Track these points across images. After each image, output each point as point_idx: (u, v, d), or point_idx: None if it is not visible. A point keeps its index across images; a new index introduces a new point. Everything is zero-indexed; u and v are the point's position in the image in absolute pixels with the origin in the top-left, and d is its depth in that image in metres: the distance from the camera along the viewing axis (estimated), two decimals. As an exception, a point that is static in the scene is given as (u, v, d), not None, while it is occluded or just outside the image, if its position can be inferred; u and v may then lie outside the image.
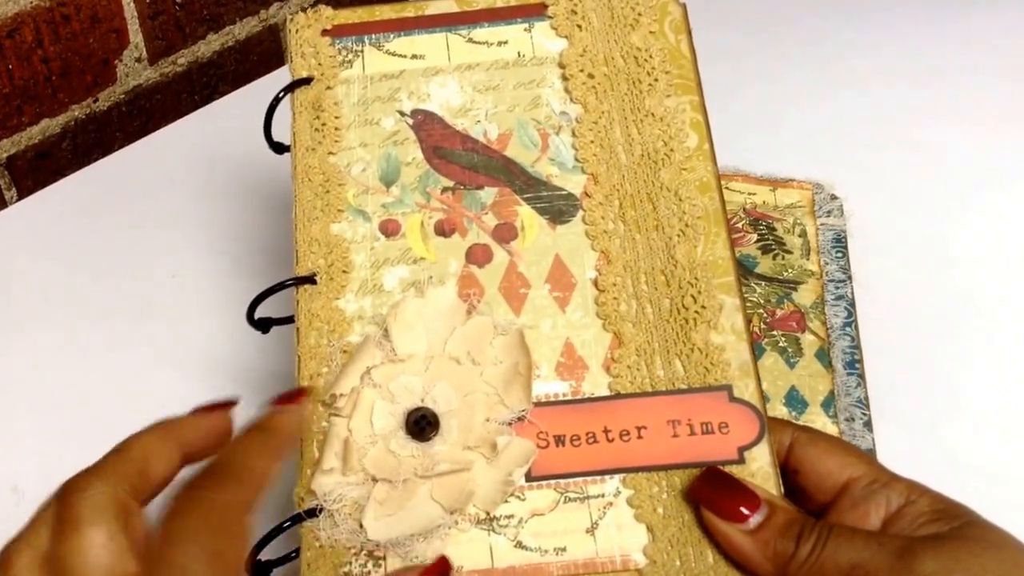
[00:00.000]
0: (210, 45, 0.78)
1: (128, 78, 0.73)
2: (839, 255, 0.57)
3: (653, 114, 0.43)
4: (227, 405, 0.37)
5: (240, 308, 0.42)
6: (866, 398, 0.51)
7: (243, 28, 0.79)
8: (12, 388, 0.56)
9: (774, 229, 0.58)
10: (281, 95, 0.45)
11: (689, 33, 0.45)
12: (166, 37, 0.74)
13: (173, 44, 0.75)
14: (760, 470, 0.37)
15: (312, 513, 0.36)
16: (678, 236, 0.41)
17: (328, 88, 0.45)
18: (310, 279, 0.41)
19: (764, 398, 0.39)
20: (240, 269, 0.62)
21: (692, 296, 0.40)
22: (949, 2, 0.83)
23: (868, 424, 0.50)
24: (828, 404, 0.50)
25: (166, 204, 0.67)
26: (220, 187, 0.68)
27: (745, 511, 0.35)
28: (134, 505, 0.32)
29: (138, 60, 0.73)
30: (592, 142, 0.43)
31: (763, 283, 0.55)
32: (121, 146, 0.73)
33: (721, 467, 0.37)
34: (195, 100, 0.79)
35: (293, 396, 0.37)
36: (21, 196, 0.71)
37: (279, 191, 0.64)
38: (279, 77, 0.76)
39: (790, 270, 0.56)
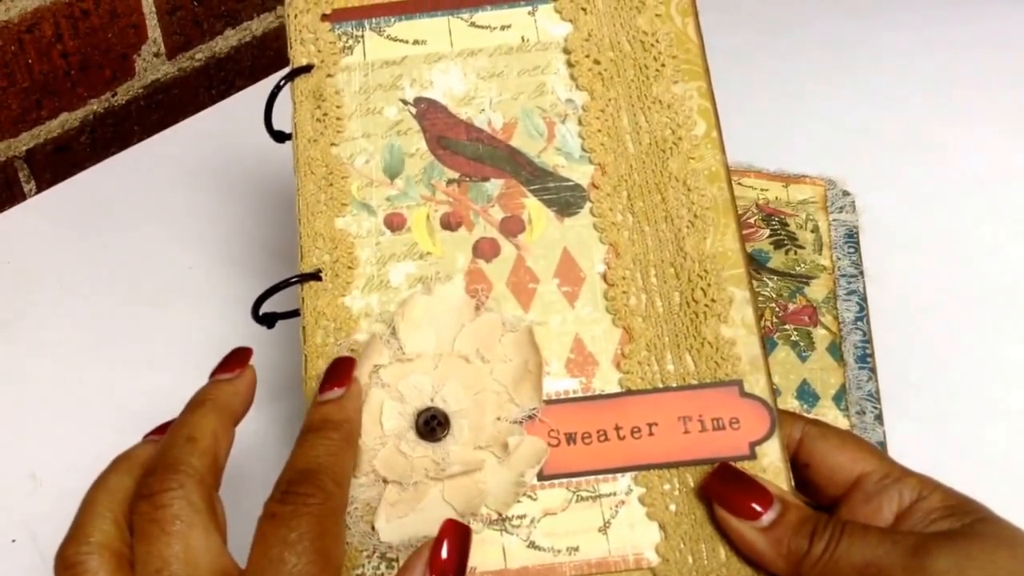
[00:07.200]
0: (227, 40, 0.79)
1: (146, 73, 0.75)
2: (851, 250, 0.57)
3: (660, 101, 0.42)
4: (245, 356, 0.37)
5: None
6: (877, 392, 0.51)
7: (260, 24, 0.81)
8: (30, 377, 0.56)
9: (787, 224, 0.58)
10: (282, 84, 0.44)
11: (696, 16, 0.44)
12: (184, 32, 0.75)
13: (191, 39, 0.76)
14: (771, 465, 0.37)
15: (324, 516, 0.36)
16: (687, 227, 0.40)
17: (329, 76, 0.44)
18: (315, 275, 0.40)
19: (775, 392, 0.39)
20: (257, 261, 0.62)
21: (702, 289, 0.39)
22: (963, 1, 0.82)
23: (879, 418, 0.50)
24: (839, 398, 0.50)
25: (183, 197, 0.68)
26: (237, 180, 0.68)
27: (758, 508, 0.35)
28: (216, 497, 0.32)
29: (156, 55, 0.74)
30: (599, 131, 0.42)
31: (775, 278, 0.55)
32: (139, 140, 0.74)
33: (733, 463, 0.37)
34: (212, 95, 0.80)
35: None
36: (40, 189, 0.72)
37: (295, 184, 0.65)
38: (295, 73, 0.78)
39: (802, 265, 0.56)
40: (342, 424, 0.35)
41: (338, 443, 0.34)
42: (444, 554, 0.33)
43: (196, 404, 0.35)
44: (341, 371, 0.37)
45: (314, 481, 0.32)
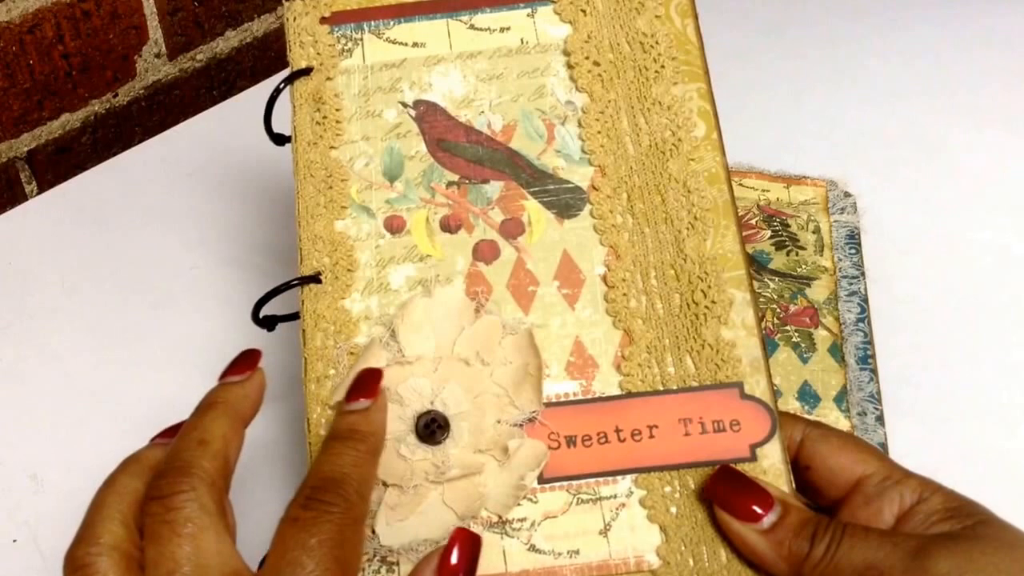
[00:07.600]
0: (228, 41, 0.79)
1: (147, 73, 0.75)
2: (852, 251, 0.57)
3: (660, 103, 0.42)
4: (255, 358, 0.37)
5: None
6: (878, 393, 0.51)
7: (261, 24, 0.81)
8: (31, 377, 0.56)
9: (788, 225, 0.58)
10: (282, 87, 0.44)
11: (696, 17, 0.44)
12: (185, 33, 0.75)
13: (192, 40, 0.76)
14: (772, 467, 0.37)
15: (324, 519, 0.36)
16: (687, 229, 0.40)
17: (328, 79, 0.44)
18: (315, 278, 0.40)
19: (776, 393, 0.39)
20: (258, 262, 0.62)
21: (702, 291, 0.39)
22: (963, 2, 0.82)
23: (880, 419, 0.50)
24: (840, 399, 0.50)
25: (184, 198, 0.68)
26: (238, 181, 0.68)
27: (759, 510, 0.35)
28: (227, 500, 0.33)
29: (157, 56, 0.74)
30: (599, 133, 0.42)
31: (777, 279, 0.55)
32: (140, 140, 0.74)
33: (733, 465, 0.37)
34: (213, 95, 0.80)
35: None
36: (42, 190, 0.72)
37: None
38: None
39: (803, 266, 0.56)
40: (368, 436, 0.35)
41: (364, 455, 0.34)
42: (454, 560, 0.33)
43: (206, 407, 0.35)
44: (369, 382, 0.37)
45: (338, 490, 0.32)
